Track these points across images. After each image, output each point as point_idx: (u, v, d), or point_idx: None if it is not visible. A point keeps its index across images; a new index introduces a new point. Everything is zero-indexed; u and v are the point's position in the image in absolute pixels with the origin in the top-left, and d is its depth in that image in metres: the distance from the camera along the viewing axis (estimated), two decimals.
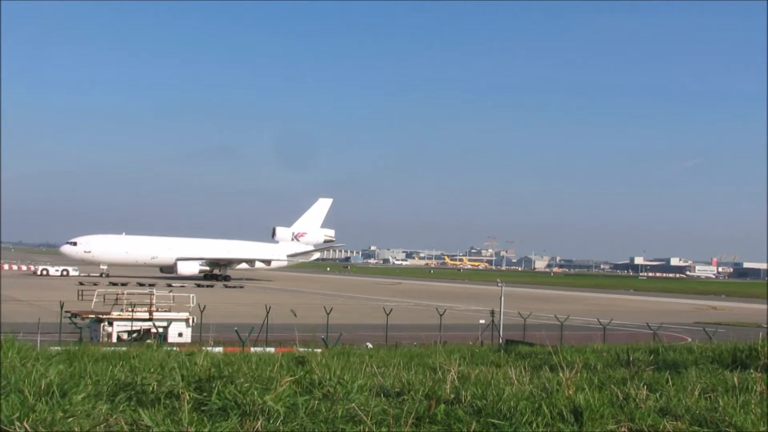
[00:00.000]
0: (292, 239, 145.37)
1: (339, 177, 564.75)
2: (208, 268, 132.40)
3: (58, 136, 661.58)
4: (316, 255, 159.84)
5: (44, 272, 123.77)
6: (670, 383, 11.66)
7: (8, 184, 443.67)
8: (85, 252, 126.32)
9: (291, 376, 10.40)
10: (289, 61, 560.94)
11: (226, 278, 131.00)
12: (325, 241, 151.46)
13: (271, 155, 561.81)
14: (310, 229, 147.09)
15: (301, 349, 13.82)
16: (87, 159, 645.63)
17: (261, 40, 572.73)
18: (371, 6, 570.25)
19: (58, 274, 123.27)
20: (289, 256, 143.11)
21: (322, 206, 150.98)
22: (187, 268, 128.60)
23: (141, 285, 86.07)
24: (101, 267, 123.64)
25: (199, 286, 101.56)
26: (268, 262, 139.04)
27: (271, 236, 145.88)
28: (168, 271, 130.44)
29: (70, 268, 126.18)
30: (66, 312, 42.94)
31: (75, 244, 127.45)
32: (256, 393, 9.04)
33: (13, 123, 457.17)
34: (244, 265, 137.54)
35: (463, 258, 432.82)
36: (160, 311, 47.59)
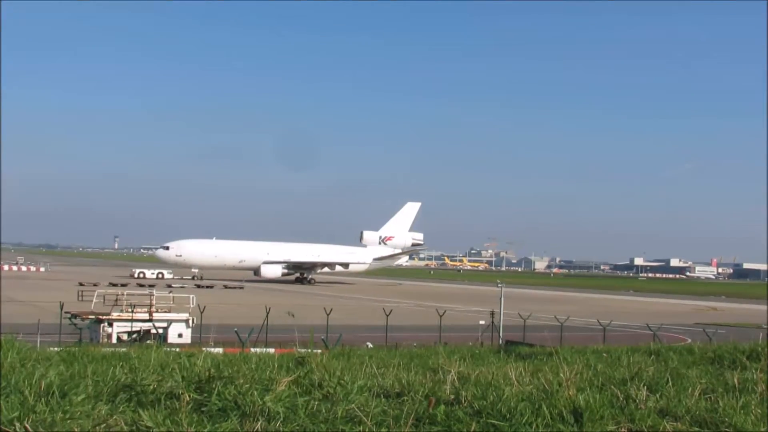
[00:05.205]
0: (380, 243, 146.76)
1: (339, 177, 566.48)
2: (288, 271, 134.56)
3: (59, 137, 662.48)
4: (404, 258, 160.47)
5: (141, 275, 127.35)
6: (670, 384, 11.66)
7: (8, 184, 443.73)
8: (176, 256, 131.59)
9: (291, 376, 10.40)
10: (288, 62, 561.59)
11: (311, 281, 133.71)
12: (413, 245, 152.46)
13: (271, 153, 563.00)
14: (398, 232, 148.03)
15: (301, 350, 13.80)
16: (87, 159, 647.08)
17: (263, 40, 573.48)
18: (372, 6, 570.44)
19: (154, 276, 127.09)
20: (375, 259, 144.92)
21: (410, 210, 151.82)
22: (270, 271, 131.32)
23: (141, 286, 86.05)
24: (193, 270, 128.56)
25: (198, 287, 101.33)
26: (349, 265, 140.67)
27: (359, 240, 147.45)
28: (258, 273, 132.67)
29: (165, 271, 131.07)
30: (66, 313, 42.88)
31: (168, 248, 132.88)
32: (256, 394, 9.05)
33: (13, 123, 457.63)
34: (327, 269, 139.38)
35: (463, 259, 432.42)
36: (160, 312, 47.53)
